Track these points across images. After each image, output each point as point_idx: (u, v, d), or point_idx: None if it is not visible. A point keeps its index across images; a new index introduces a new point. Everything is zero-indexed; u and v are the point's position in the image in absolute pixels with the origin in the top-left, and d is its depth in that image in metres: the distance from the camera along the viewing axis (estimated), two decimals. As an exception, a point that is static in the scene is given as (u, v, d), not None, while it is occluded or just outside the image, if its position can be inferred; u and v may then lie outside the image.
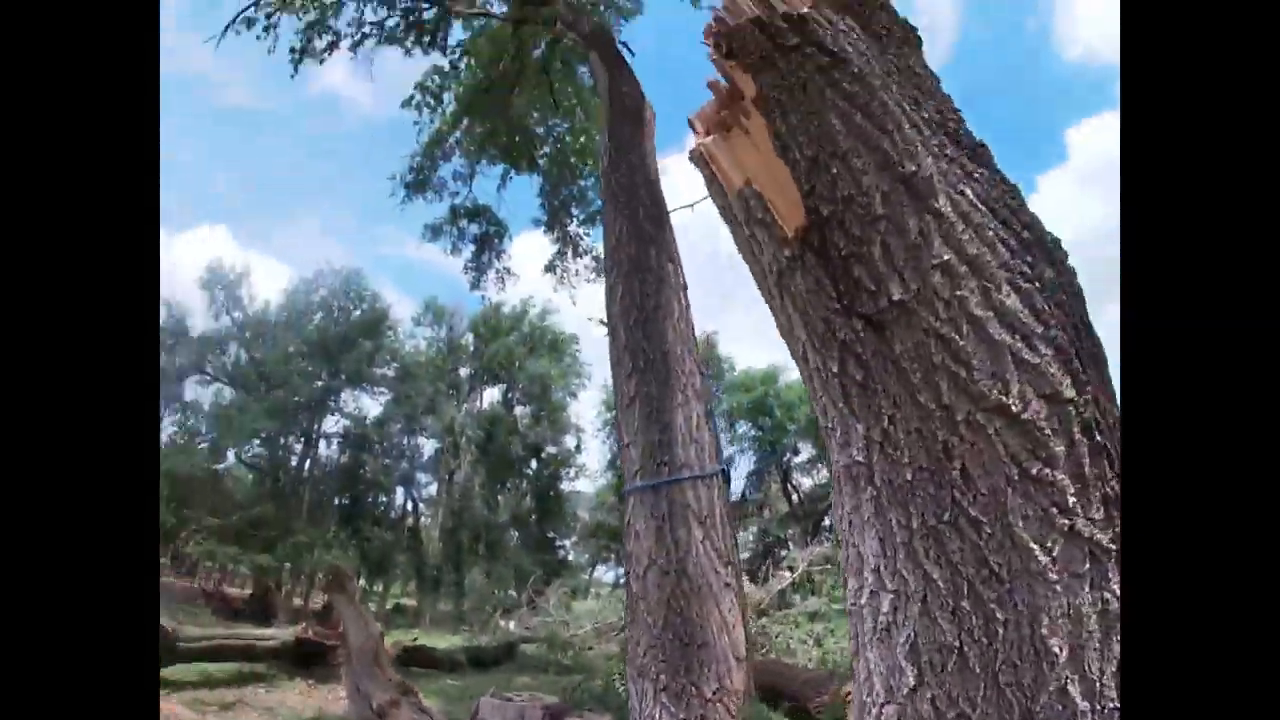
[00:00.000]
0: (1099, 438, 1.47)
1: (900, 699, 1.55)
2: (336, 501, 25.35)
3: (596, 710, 4.42)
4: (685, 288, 4.69)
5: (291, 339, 25.31)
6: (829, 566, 13.31)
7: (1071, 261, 1.64)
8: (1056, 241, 1.69)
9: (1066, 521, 1.41)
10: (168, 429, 25.68)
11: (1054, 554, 1.40)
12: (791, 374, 24.97)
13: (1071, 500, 1.42)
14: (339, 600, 3.58)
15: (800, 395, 24.29)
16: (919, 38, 2.68)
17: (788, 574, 14.20)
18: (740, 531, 28.97)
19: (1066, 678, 1.37)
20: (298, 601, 21.54)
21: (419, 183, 12.39)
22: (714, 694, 3.39)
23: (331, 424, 26.11)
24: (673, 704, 3.39)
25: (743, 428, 27.14)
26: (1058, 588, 1.39)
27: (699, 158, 2.00)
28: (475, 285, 13.33)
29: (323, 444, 25.86)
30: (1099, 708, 1.37)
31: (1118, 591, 1.39)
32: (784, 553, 23.19)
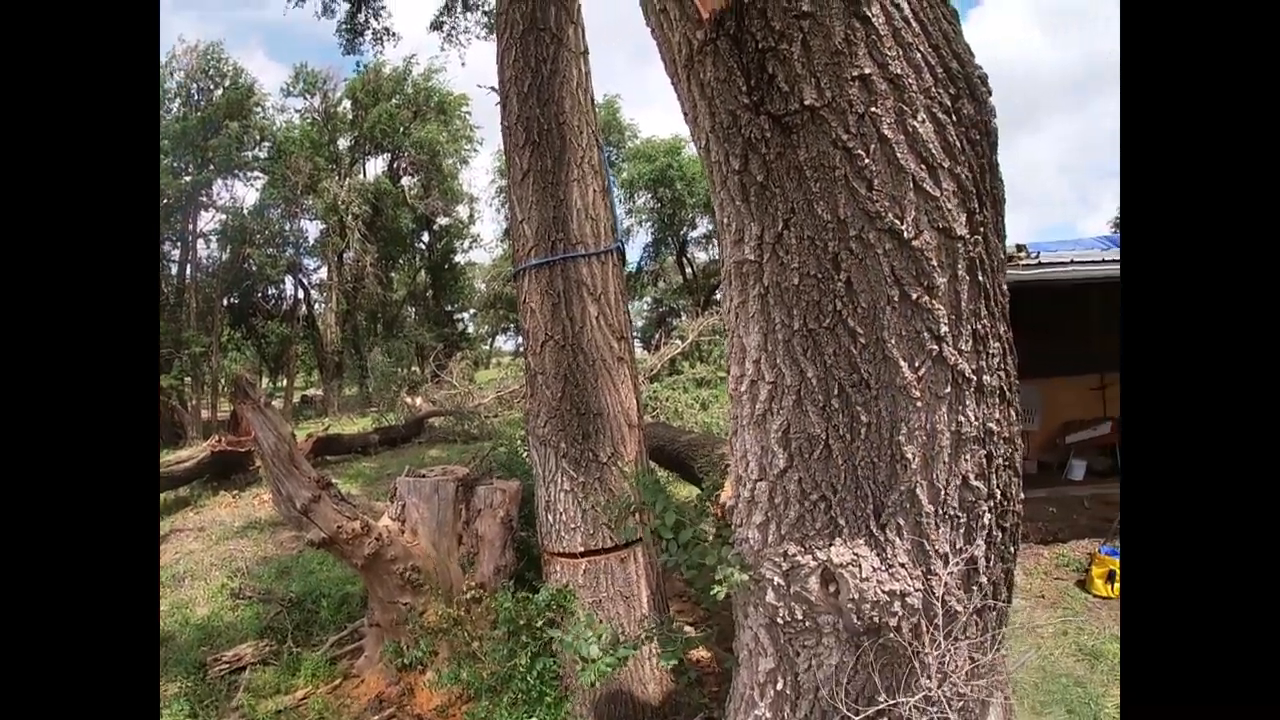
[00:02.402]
0: (981, 277, 1.56)
1: (771, 478, 1.78)
2: (225, 302, 23.55)
3: (504, 476, 4.80)
4: (586, 52, 4.21)
5: None
6: (717, 337, 14.29)
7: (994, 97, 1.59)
8: (983, 77, 1.61)
9: (936, 347, 1.55)
10: None
11: (920, 373, 1.55)
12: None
13: (944, 329, 1.54)
14: (244, 409, 3.53)
15: (703, 170, 23.67)
16: None
17: (679, 343, 15.19)
18: (635, 300, 30.12)
19: (916, 482, 1.61)
20: (205, 414, 20.90)
21: None
22: (609, 458, 3.76)
23: (206, 221, 23.26)
24: (573, 469, 3.74)
25: (642, 198, 26.81)
26: (919, 404, 1.57)
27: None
28: (350, 49, 11.41)
29: (200, 244, 23.21)
30: (942, 512, 1.64)
31: (971, 417, 1.59)
32: (676, 322, 24.60)
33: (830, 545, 1.71)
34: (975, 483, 1.64)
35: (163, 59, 22.39)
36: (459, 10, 11.17)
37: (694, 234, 27.81)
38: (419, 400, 14.99)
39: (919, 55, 1.48)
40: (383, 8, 11.20)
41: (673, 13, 1.63)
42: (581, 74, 4.10)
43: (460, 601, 3.90)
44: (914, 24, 1.48)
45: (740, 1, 1.48)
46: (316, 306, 26.00)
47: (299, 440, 8.34)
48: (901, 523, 1.66)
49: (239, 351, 25.26)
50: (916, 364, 1.56)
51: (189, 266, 22.87)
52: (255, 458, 7.01)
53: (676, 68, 1.73)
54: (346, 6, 10.90)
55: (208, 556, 6.23)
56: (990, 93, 1.58)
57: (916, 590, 1.66)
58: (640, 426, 4.00)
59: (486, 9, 10.60)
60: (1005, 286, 1.64)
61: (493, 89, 4.41)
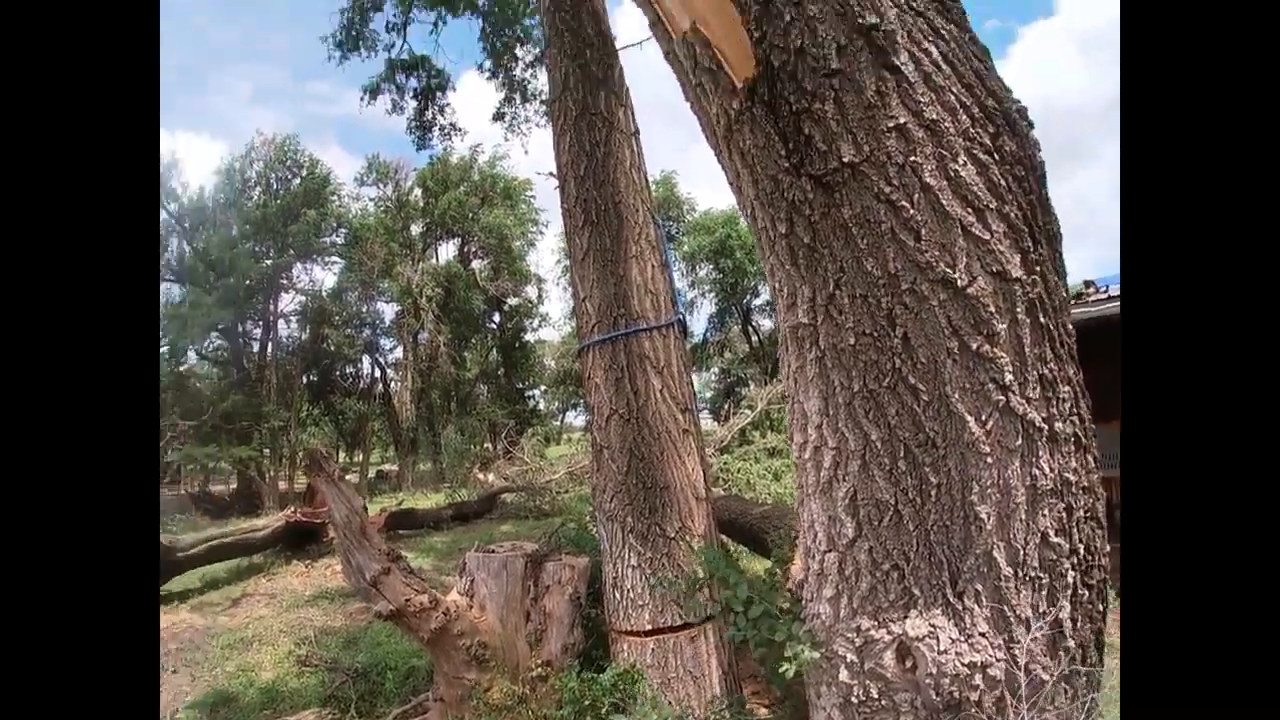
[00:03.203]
0: (1043, 319, 1.48)
1: (840, 548, 1.68)
2: (304, 379, 25.10)
3: (573, 552, 4.75)
4: (637, 133, 4.40)
5: (232, 220, 23.69)
6: (787, 405, 13.93)
7: (1039, 131, 1.56)
8: (1022, 111, 1.59)
9: (1002, 397, 1.46)
10: None
11: (988, 427, 1.46)
12: (752, 216, 24.44)
13: (1009, 377, 1.46)
14: (318, 482, 3.68)
15: (757, 237, 23.94)
16: None
17: (748, 412, 14.95)
18: (702, 372, 30.07)
19: (993, 544, 1.50)
20: (283, 485, 22.06)
21: (351, 39, 11.03)
22: (676, 533, 3.66)
23: (287, 302, 25.14)
24: (640, 544, 3.67)
25: (704, 270, 27.16)
26: (989, 459, 1.47)
27: (641, -2, 1.80)
28: (421, 145, 12.41)
29: (281, 324, 25.04)
30: (1022, 574, 1.51)
31: (1046, 469, 1.48)
32: (745, 391, 24.31)
33: (905, 617, 1.58)
34: (1055, 539, 1.51)
35: (242, 150, 24.74)
36: (518, 101, 11.96)
37: (757, 302, 27.83)
38: (491, 476, 15.21)
39: (953, 97, 1.47)
40: (447, 104, 12.14)
41: (708, 86, 1.68)
42: (634, 154, 4.28)
43: (526, 679, 3.80)
44: (944, 67, 1.48)
45: (770, 66, 1.51)
46: (392, 385, 27.16)
47: (372, 514, 8.55)
48: (979, 588, 1.53)
49: (317, 427, 26.45)
50: (983, 417, 1.47)
51: (270, 345, 24.49)
52: (328, 529, 7.22)
53: (717, 139, 1.77)
54: (414, 104, 11.86)
55: (277, 623, 6.35)
56: (1032, 125, 1.55)
57: (998, 660, 1.51)
58: (709, 499, 3.92)
59: (543, 99, 11.33)
60: (1070, 326, 1.54)
61: (552, 174, 4.64)
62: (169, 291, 24.70)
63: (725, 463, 11.41)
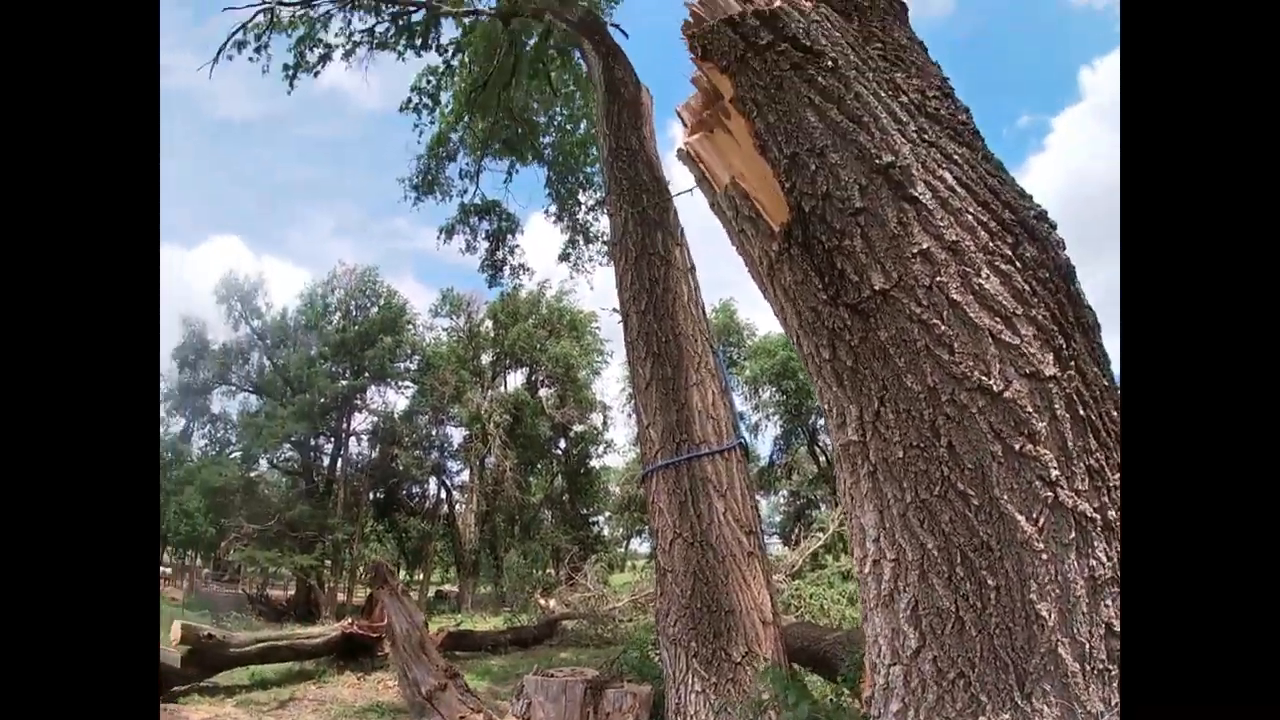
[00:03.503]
0: (1083, 411, 1.53)
1: (905, 660, 1.65)
2: (371, 496, 25.94)
3: (635, 680, 4.60)
4: (693, 269, 4.74)
5: (312, 342, 25.77)
6: (859, 526, 13.31)
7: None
8: (1041, 215, 1.73)
9: (1050, 493, 1.49)
10: (198, 442, 26.48)
11: (1039, 524, 1.48)
12: (812, 336, 24.65)
13: (1055, 473, 1.49)
14: (382, 593, 3.78)
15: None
16: (904, 5, 2.67)
17: (819, 535, 14.35)
18: (771, 495, 29.22)
19: (1057, 640, 1.46)
20: (340, 597, 22.24)
21: (426, 184, 12.46)
22: (743, 658, 3.54)
23: (359, 421, 26.64)
24: (704, 669, 3.55)
25: (767, 392, 27.14)
26: (1044, 556, 1.47)
27: (686, 156, 2.07)
28: (492, 282, 13.60)
29: (352, 441, 26.40)
30: (1089, 669, 1.46)
31: (1103, 558, 1.47)
32: (815, 514, 23.39)
33: (976, 728, 1.52)
34: (1120, 628, 1.46)
35: (324, 278, 27.16)
36: (581, 243, 12.96)
37: (823, 421, 27.34)
38: (552, 602, 14.87)
39: (970, 217, 1.61)
40: (517, 245, 13.25)
41: (749, 232, 1.89)
42: (691, 289, 4.60)
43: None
44: (959, 190, 1.64)
45: (802, 211, 1.71)
46: (457, 506, 27.51)
47: (430, 631, 8.45)
48: (1047, 688, 1.47)
49: (380, 543, 26.79)
50: (1034, 515, 1.49)
51: (340, 460, 25.45)
52: (384, 644, 7.16)
53: (761, 277, 1.96)
54: (486, 245, 12.95)
55: None
56: (1054, 226, 1.66)
57: None
58: (776, 624, 3.81)
59: (605, 240, 12.19)
60: (1115, 412, 1.57)
61: (615, 310, 4.99)
62: (246, 401, 26.50)
63: (797, 588, 10.87)
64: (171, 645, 6.88)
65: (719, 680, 3.50)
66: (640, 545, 35.58)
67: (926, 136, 1.79)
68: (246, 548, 21.49)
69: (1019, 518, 1.49)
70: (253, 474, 25.26)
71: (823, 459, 27.42)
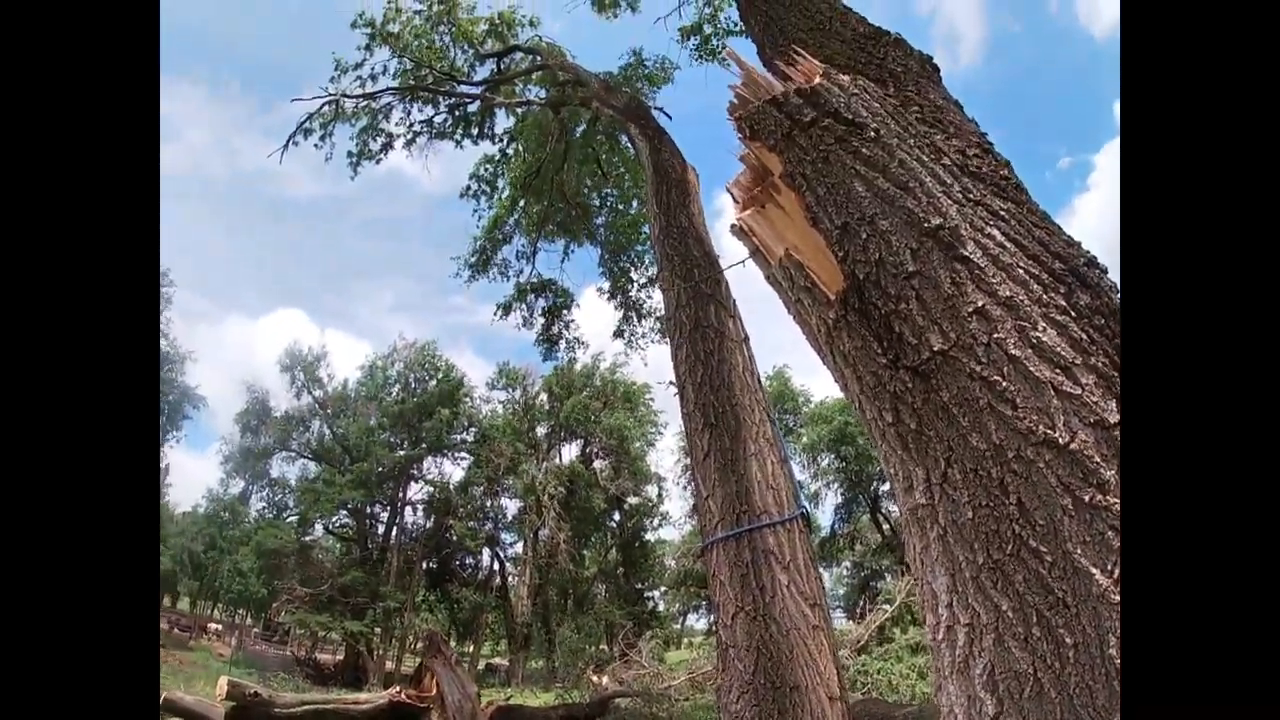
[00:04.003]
0: None
1: (984, 729, 1.60)
2: (424, 565, 26.13)
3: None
4: (746, 339, 4.81)
5: (372, 412, 26.68)
6: (929, 600, 12.66)
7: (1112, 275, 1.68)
8: (1092, 260, 1.75)
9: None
10: (256, 505, 27.43)
11: (1114, 576, 1.44)
12: (869, 402, 24.14)
13: (1125, 521, 1.46)
14: (435, 663, 3.77)
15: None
16: (935, 67, 2.79)
17: (886, 608, 13.64)
18: (834, 567, 28.02)
19: None
20: (389, 665, 22.10)
21: (482, 263, 13.07)
22: (811, 737, 3.39)
23: (415, 491, 27.20)
24: (771, 749, 3.41)
25: (826, 460, 26.48)
26: (1121, 609, 1.43)
27: (740, 231, 2.18)
28: (547, 357, 13.91)
29: (408, 510, 26.92)
30: None
31: None
32: (880, 585, 22.26)
33: (1060, 798, 1.44)
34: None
35: (385, 351, 28.13)
36: (635, 320, 13.26)
37: (884, 488, 26.40)
38: (605, 679, 14.40)
39: (1021, 271, 1.65)
40: (572, 320, 13.60)
41: (806, 301, 1.96)
42: (745, 359, 4.65)
43: None
44: (1008, 245, 1.68)
45: (856, 278, 1.78)
46: (510, 579, 27.32)
47: (480, 704, 8.23)
48: None
49: (431, 613, 26.68)
50: (1108, 567, 1.45)
51: (395, 529, 25.67)
52: (431, 715, 7.02)
53: (820, 344, 2.01)
54: (542, 320, 13.31)
55: None
56: (1105, 271, 1.67)
57: None
58: (844, 700, 3.64)
59: (658, 315, 12.42)
60: None
61: (671, 383, 5.07)
62: (305, 467, 27.36)
63: (864, 664, 10.28)
64: (217, 700, 6.94)
65: (787, 759, 3.34)
66: (697, 621, 34.39)
67: (971, 196, 1.86)
68: (298, 610, 21.72)
69: (1094, 571, 1.46)
70: (308, 539, 25.87)
71: (886, 527, 26.29)
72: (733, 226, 2.20)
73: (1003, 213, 1.83)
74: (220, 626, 30.88)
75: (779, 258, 1.99)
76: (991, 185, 1.94)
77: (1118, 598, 1.44)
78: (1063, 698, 1.48)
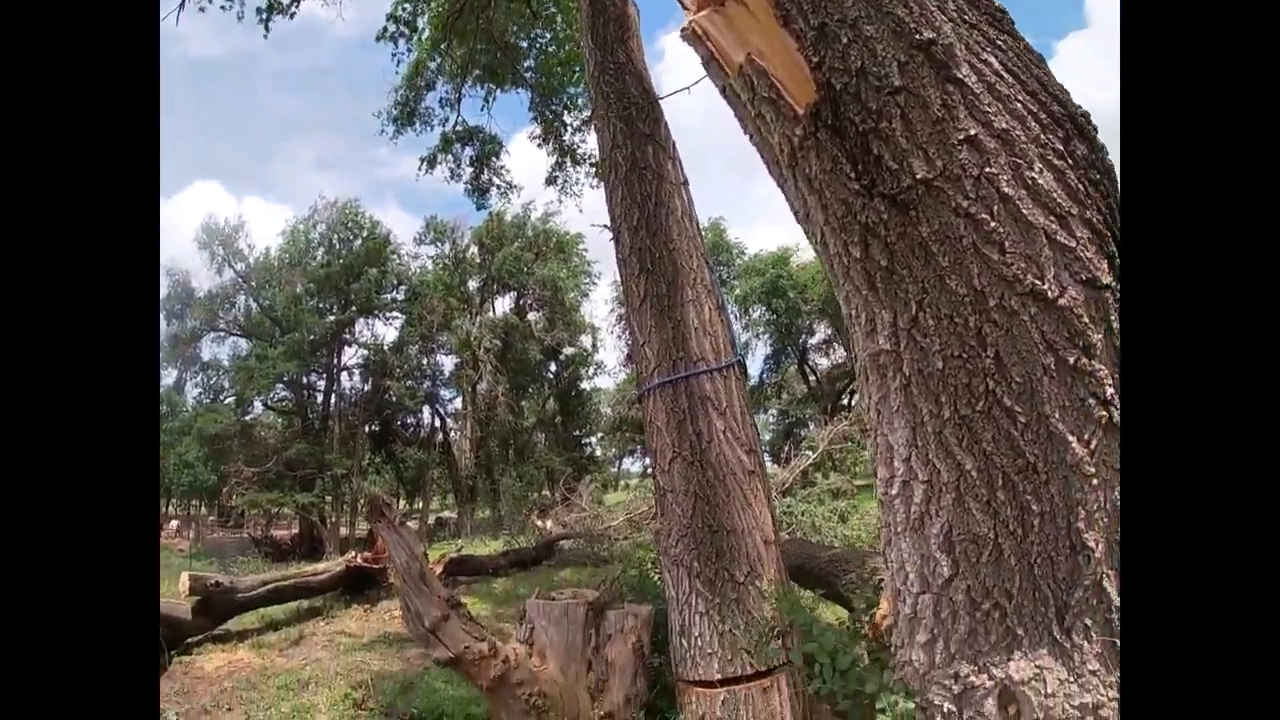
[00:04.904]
0: None
1: (935, 589, 1.56)
2: (366, 429, 26.12)
3: (635, 600, 4.64)
4: (686, 183, 4.50)
5: (297, 279, 25.26)
6: (849, 444, 13.60)
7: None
8: (1086, 115, 1.52)
9: (1104, 413, 1.35)
10: (192, 391, 26.41)
11: (1091, 446, 1.35)
12: (804, 254, 24.62)
13: (1110, 391, 1.35)
14: (379, 528, 3.74)
15: (813, 275, 24.04)
16: None
17: (809, 454, 14.58)
18: (761, 414, 29.69)
19: (1103, 572, 1.36)
20: (344, 531, 22.71)
21: (405, 115, 11.99)
22: (745, 577, 3.53)
23: (350, 355, 26.52)
24: (707, 589, 3.54)
25: (757, 312, 27.10)
26: (1094, 481, 1.35)
27: (693, 36, 1.80)
28: (480, 205, 13.31)
29: (344, 376, 26.37)
30: None
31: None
32: (804, 433, 23.81)
33: (1008, 660, 1.45)
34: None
35: (306, 213, 26.54)
36: (569, 165, 12.56)
37: (813, 340, 27.51)
38: (549, 523, 15.21)
39: (1019, 105, 1.42)
40: (503, 166, 12.79)
41: (768, 116, 1.66)
42: (684, 203, 4.37)
43: (590, 733, 3.67)
44: (1006, 75, 1.43)
45: (832, 89, 1.49)
46: (452, 434, 27.85)
47: (431, 560, 8.51)
48: (1089, 623, 1.38)
49: (378, 475, 27.27)
50: (1086, 436, 1.36)
51: (333, 396, 25.51)
52: (388, 574, 7.27)
53: (781, 168, 1.74)
54: (470, 170, 12.49)
55: (334, 665, 6.34)
56: (1097, 130, 1.48)
57: (1112, 699, 1.35)
58: (777, 543, 3.78)
59: (592, 161, 11.74)
60: None
61: (606, 227, 4.75)
62: (236, 345, 26.40)
63: (788, 506, 11.08)
64: (181, 597, 6.92)
65: (722, 601, 3.49)
66: (632, 465, 36.45)
67: (966, 17, 1.56)
68: (248, 491, 21.72)
69: (1070, 438, 1.36)
70: (248, 418, 25.35)
71: (813, 378, 27.68)
72: (683, 31, 1.82)
73: (1000, 42, 1.54)
74: (178, 521, 30.63)
75: (739, 64, 1.64)
76: (986, 13, 1.63)
77: (1092, 470, 1.34)
78: (1022, 566, 1.42)
